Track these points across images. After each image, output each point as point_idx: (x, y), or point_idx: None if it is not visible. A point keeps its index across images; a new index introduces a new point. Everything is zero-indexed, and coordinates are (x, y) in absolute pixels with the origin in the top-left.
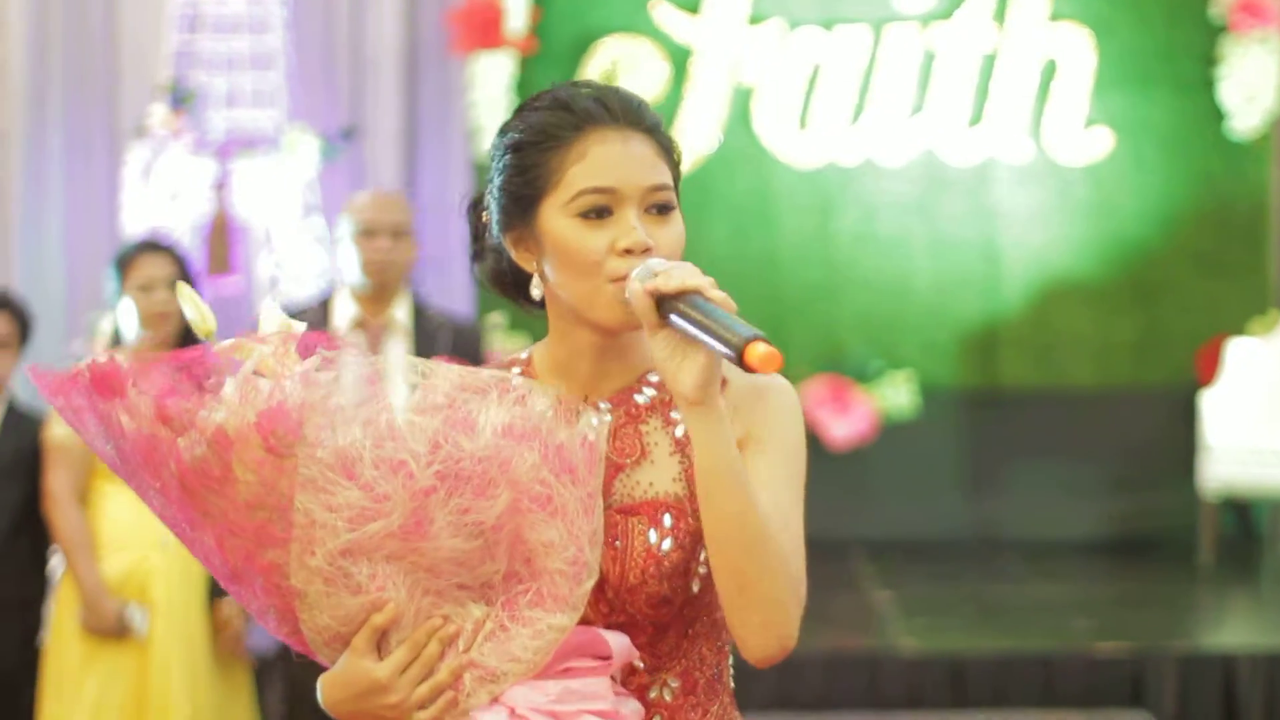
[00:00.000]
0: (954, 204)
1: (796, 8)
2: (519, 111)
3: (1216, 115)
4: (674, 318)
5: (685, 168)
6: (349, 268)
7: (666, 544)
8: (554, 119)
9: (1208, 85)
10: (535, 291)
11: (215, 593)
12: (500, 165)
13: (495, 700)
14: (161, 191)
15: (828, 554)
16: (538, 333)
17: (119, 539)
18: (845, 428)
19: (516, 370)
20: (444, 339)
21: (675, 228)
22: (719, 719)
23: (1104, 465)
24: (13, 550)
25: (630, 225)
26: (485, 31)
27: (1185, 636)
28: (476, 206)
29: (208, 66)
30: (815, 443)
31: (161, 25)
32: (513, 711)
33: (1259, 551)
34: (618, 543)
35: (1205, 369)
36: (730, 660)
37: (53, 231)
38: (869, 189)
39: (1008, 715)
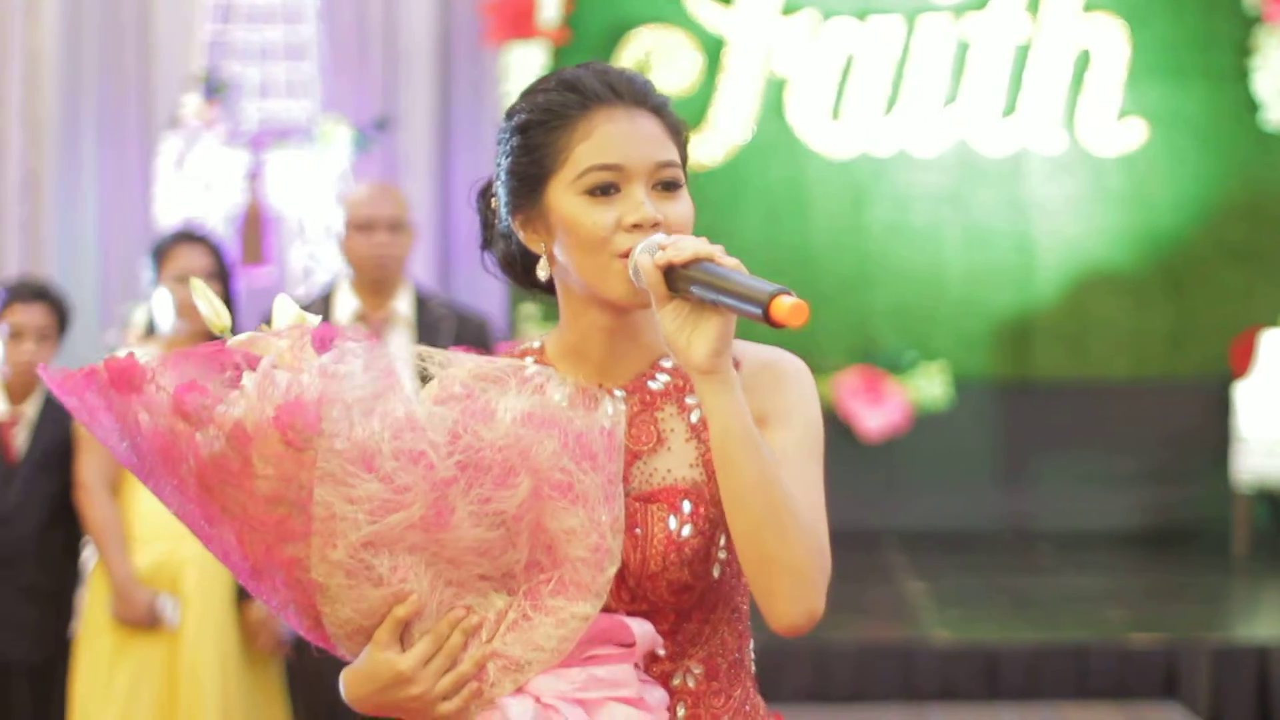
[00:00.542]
0: (987, 195)
1: None
2: (525, 95)
3: (1251, 106)
4: (693, 287)
5: (719, 158)
6: (347, 261)
7: (686, 530)
8: (560, 99)
9: (1242, 76)
10: (541, 273)
11: (244, 595)
12: (507, 148)
13: (520, 689)
14: (195, 182)
15: (861, 545)
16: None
17: (151, 530)
18: (878, 419)
19: (530, 360)
20: (447, 330)
21: (683, 205)
22: (741, 703)
23: (1137, 456)
24: (48, 541)
25: (638, 201)
26: (518, 22)
27: (1218, 628)
28: (485, 194)
29: (241, 57)
30: (848, 434)
31: (195, 16)
32: (538, 700)
33: None
34: (638, 530)
35: (1239, 360)
36: (751, 644)
37: (87, 222)
38: (902, 180)
39: (1041, 706)
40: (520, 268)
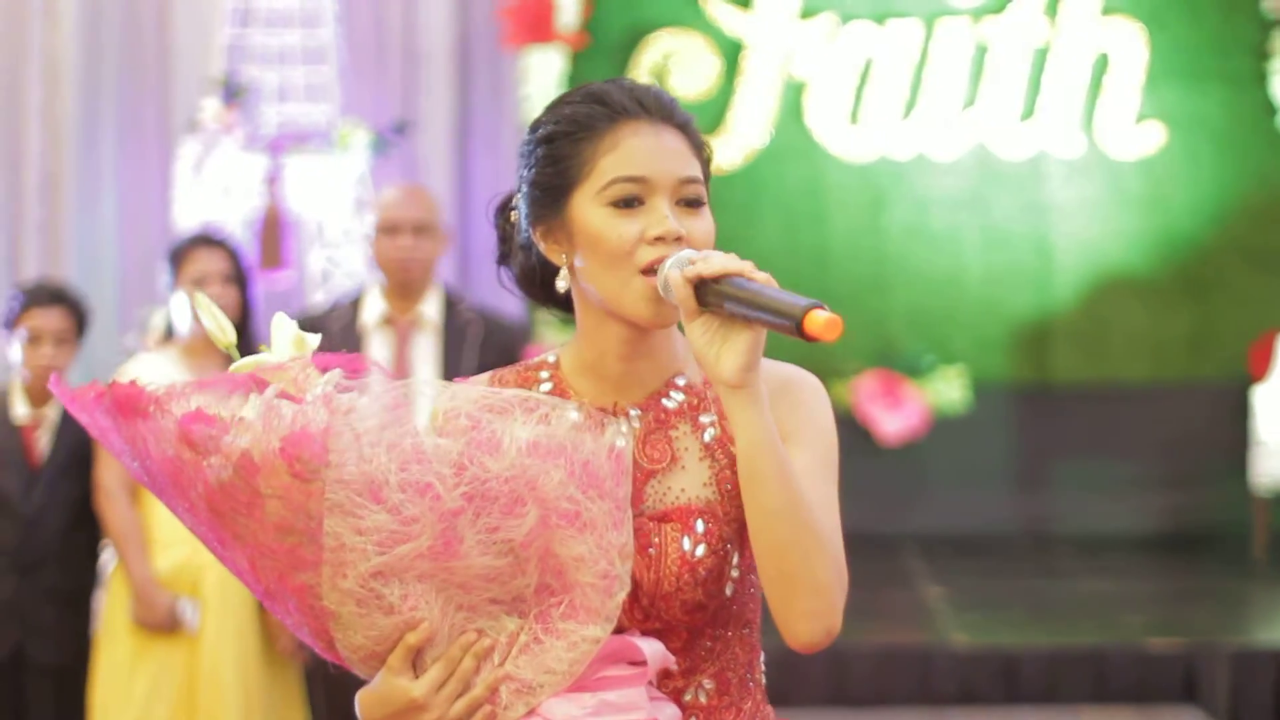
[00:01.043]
0: (1006, 198)
1: (848, 2)
2: (551, 107)
3: (1269, 109)
4: (726, 302)
5: (737, 162)
6: (374, 264)
7: (700, 550)
8: (587, 111)
9: (1260, 79)
10: (561, 284)
11: None
12: (531, 159)
13: (532, 712)
14: (213, 186)
15: (879, 549)
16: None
17: (171, 534)
18: (897, 422)
19: (545, 374)
20: (474, 335)
21: (706, 222)
22: (752, 715)
23: (1156, 460)
24: (70, 543)
25: (662, 214)
26: (537, 26)
27: (1238, 632)
28: (504, 209)
29: (260, 61)
30: (867, 437)
31: (214, 19)
32: None
33: None
34: (651, 550)
35: (1258, 364)
36: (762, 657)
37: (105, 225)
38: (920, 183)
39: (1059, 710)
40: (539, 281)
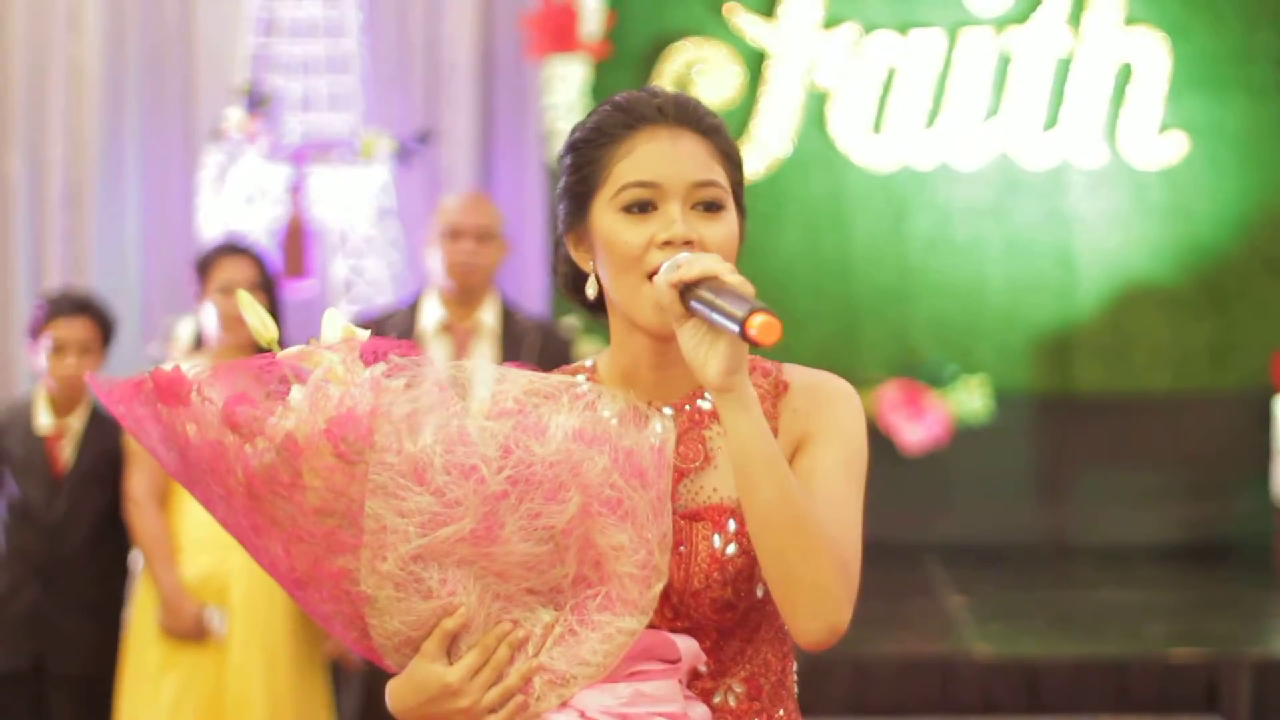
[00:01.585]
0: (1028, 208)
1: (871, 11)
2: (585, 117)
3: None
4: (693, 303)
5: (760, 171)
6: (435, 269)
7: (731, 549)
8: (609, 118)
9: None
10: (590, 290)
11: None
12: (562, 167)
13: (565, 704)
14: (237, 195)
15: (901, 559)
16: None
17: (198, 542)
18: (919, 432)
19: (582, 378)
20: (531, 344)
21: (724, 226)
22: None
23: (1178, 470)
24: (96, 553)
25: (671, 218)
26: (560, 35)
27: (1260, 642)
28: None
29: (284, 70)
30: (889, 447)
31: (238, 29)
32: (583, 714)
33: None
34: (682, 548)
35: None
36: (795, 666)
37: (129, 235)
38: (943, 193)
39: None
40: (575, 287)
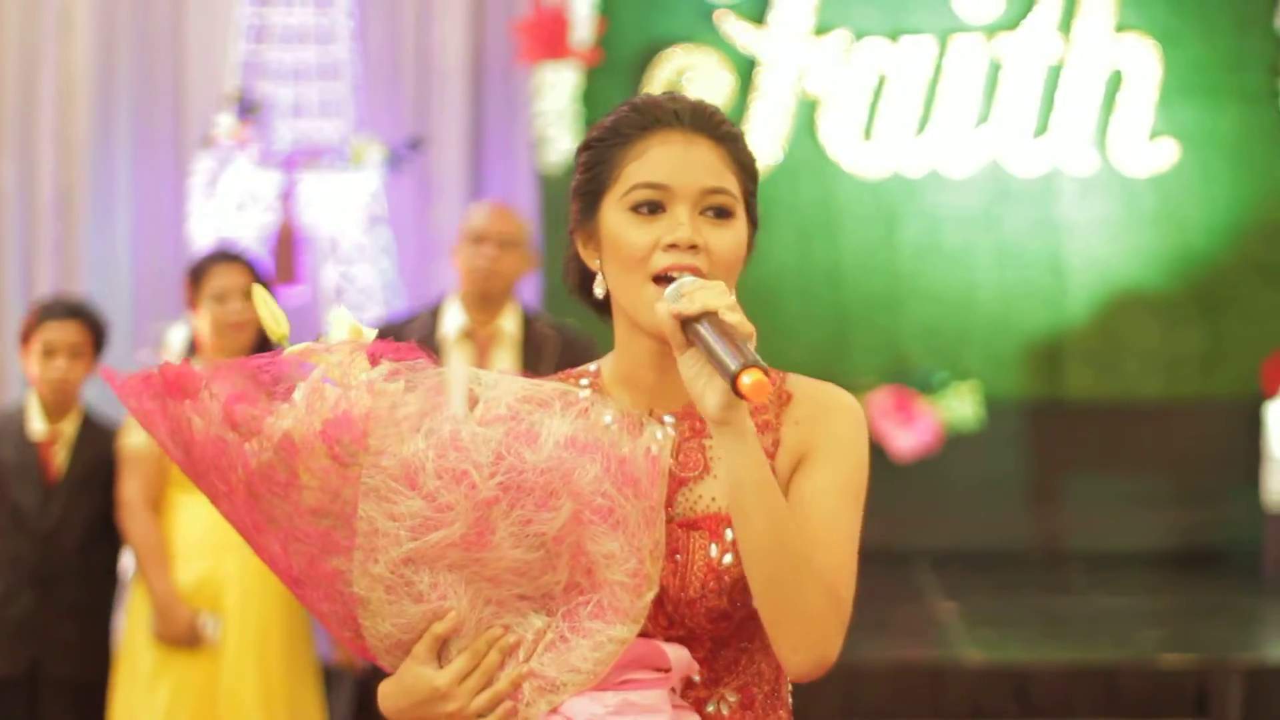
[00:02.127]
0: (1019, 215)
1: (862, 18)
2: (604, 116)
3: None
4: (692, 336)
5: None
6: (457, 274)
7: (727, 558)
8: (624, 120)
9: (1274, 96)
10: (598, 290)
11: None
12: (577, 165)
13: (554, 710)
14: (227, 202)
15: (892, 565)
16: (607, 340)
17: (192, 548)
18: (909, 439)
19: (585, 382)
20: (551, 350)
21: (731, 233)
22: None
23: (1169, 477)
24: (89, 559)
25: (679, 221)
26: (551, 42)
27: (1250, 648)
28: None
29: (274, 77)
30: (879, 454)
31: (228, 35)
32: None
33: None
34: (678, 556)
35: (1271, 381)
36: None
37: (120, 241)
38: (934, 200)
39: None
40: (583, 287)
